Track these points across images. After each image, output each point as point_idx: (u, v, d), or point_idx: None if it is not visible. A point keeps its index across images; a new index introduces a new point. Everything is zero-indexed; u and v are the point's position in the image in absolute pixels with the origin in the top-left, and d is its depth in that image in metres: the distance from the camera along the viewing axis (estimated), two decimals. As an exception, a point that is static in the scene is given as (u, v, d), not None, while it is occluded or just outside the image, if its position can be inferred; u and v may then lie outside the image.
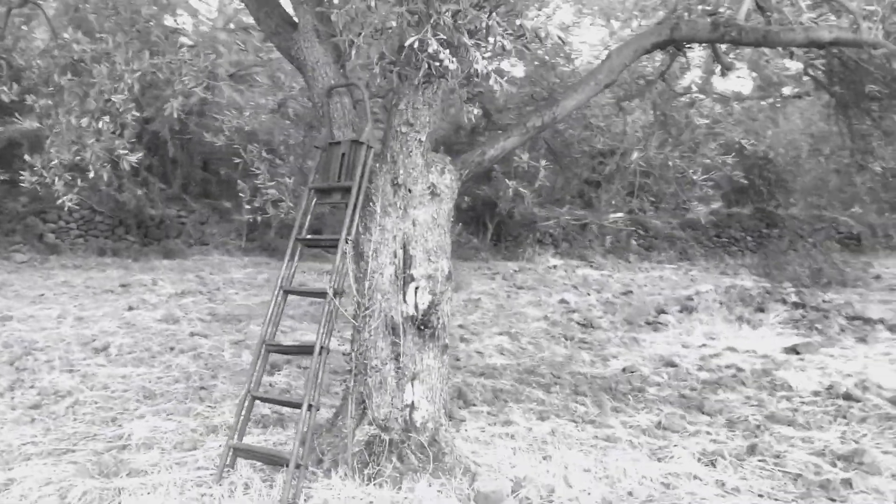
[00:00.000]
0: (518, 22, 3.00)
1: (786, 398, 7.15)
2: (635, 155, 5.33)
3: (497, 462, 4.56)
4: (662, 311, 12.04)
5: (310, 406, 3.83)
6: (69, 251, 15.48)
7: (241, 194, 6.52)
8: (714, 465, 4.97)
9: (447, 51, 2.96)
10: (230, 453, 4.09)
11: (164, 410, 5.72)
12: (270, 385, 6.75)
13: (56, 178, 5.97)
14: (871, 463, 5.10)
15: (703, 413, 6.50)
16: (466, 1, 2.88)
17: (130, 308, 10.43)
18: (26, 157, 5.83)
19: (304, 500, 3.81)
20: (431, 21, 2.94)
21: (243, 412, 4.20)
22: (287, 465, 3.78)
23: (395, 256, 4.31)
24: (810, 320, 11.22)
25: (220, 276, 14.15)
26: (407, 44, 3.07)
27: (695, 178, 5.22)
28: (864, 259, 22.48)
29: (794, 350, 9.48)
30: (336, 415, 4.44)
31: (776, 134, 17.74)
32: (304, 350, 4.38)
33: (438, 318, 4.35)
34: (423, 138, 4.31)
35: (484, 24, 2.93)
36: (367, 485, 3.99)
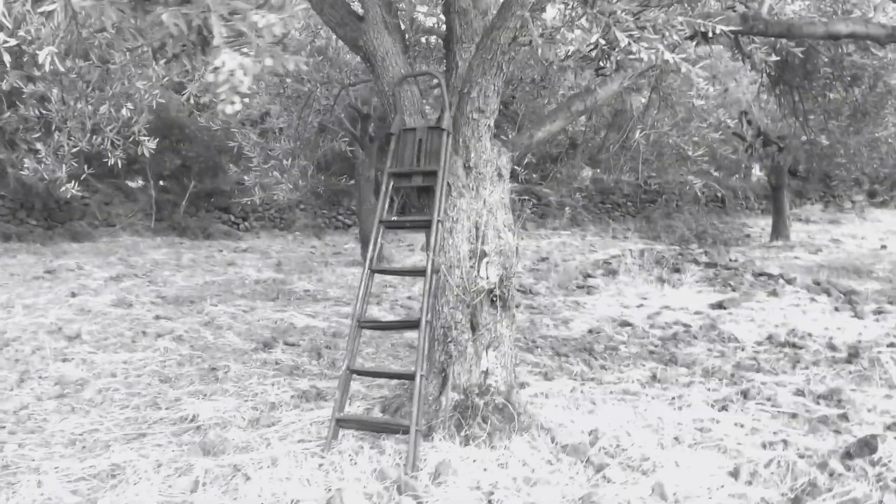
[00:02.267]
0: (681, 19, 3.38)
1: (739, 348, 7.95)
2: (638, 133, 5.87)
3: (556, 418, 5.00)
4: (589, 276, 12.81)
5: (421, 376, 4.14)
6: (-32, 237, 14.64)
7: (244, 178, 6.58)
8: (727, 410, 5.61)
9: (642, 44, 3.30)
10: (334, 425, 4.33)
11: (199, 392, 5.81)
12: (276, 363, 6.90)
13: (63, 167, 5.89)
14: (848, 399, 5.87)
15: (678, 366, 7.17)
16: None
17: (74, 294, 10.14)
18: (38, 144, 5.72)
19: (422, 462, 4.13)
20: (614, 19, 3.27)
21: (343, 386, 4.43)
22: (403, 432, 4.09)
23: (470, 234, 4.64)
24: (723, 278, 12.28)
25: (142, 259, 13.82)
26: (592, 40, 3.40)
27: (690, 153, 5.79)
28: (727, 219, 24.41)
29: (720, 305, 10.42)
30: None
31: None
32: (409, 325, 4.64)
33: (508, 290, 4.72)
34: (492, 124, 4.64)
35: (661, 21, 3.28)
36: (466, 446, 4.34)
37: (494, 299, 4.68)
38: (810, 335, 8.46)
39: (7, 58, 2.67)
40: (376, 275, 4.74)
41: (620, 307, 10.47)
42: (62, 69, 2.53)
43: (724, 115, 6.21)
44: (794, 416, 5.56)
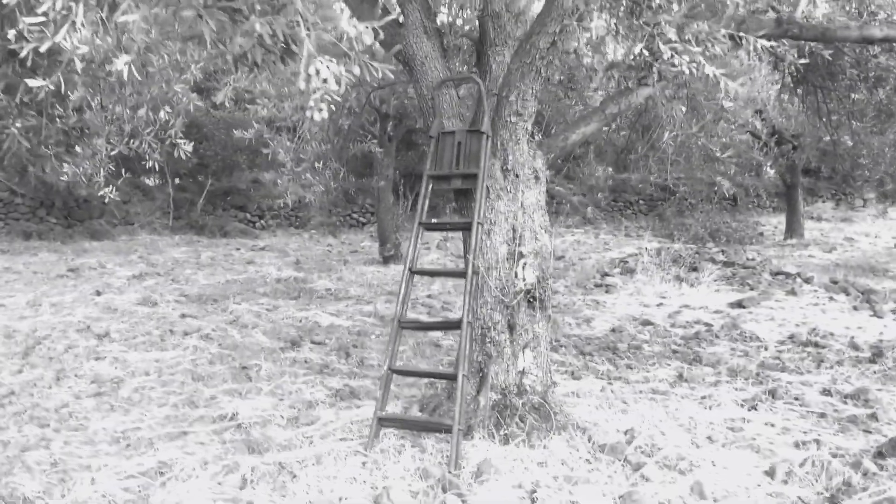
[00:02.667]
0: (723, 31, 3.44)
1: (762, 348, 8.00)
2: (666, 135, 5.92)
3: (590, 418, 5.07)
4: (606, 274, 12.86)
5: (464, 376, 4.21)
6: (-10, 236, 14.79)
7: (277, 183, 6.68)
8: (756, 409, 5.66)
9: (684, 56, 3.36)
10: (376, 424, 4.40)
11: (234, 391, 5.89)
12: (305, 361, 6.98)
13: (100, 170, 5.99)
14: (875, 399, 5.92)
15: (703, 365, 7.22)
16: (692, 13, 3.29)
17: (99, 293, 10.25)
18: (77, 147, 5.82)
19: (464, 460, 4.20)
20: (658, 31, 3.33)
21: (385, 385, 4.50)
22: (445, 431, 4.17)
23: (508, 236, 4.71)
24: (741, 277, 12.31)
25: (162, 257, 13.94)
26: (636, 51, 3.47)
27: (718, 155, 5.84)
28: (740, 218, 24.34)
29: (740, 304, 10.46)
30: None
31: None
32: (449, 326, 4.72)
33: (544, 291, 4.79)
34: (529, 127, 4.71)
35: (703, 34, 3.35)
36: (505, 445, 4.41)
37: (532, 300, 4.75)
38: (832, 334, 8.50)
39: (79, 64, 2.74)
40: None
41: (640, 306, 10.52)
42: (139, 78, 2.59)
43: (750, 116, 6.26)
44: (822, 415, 5.60)
